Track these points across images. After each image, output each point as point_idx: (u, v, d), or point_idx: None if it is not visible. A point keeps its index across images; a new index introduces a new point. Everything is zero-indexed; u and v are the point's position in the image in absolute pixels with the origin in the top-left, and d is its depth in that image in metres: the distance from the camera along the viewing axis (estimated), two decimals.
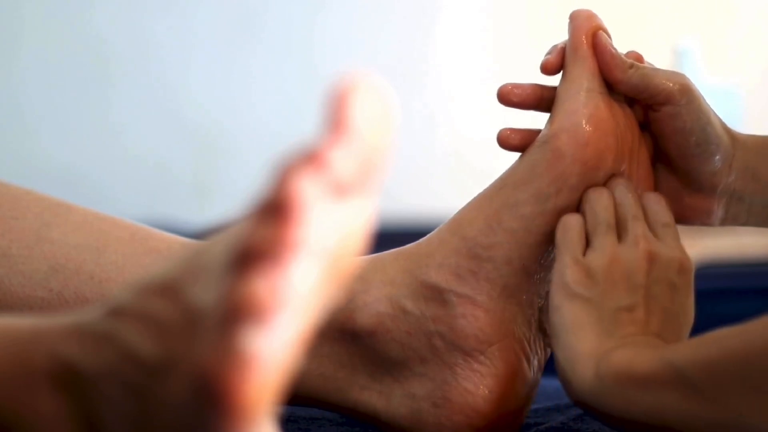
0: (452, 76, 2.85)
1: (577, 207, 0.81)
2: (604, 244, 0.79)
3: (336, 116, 0.48)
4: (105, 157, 2.81)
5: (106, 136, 2.81)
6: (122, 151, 2.81)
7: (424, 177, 2.84)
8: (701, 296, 1.35)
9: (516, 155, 0.84)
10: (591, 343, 0.75)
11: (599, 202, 0.81)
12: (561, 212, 0.81)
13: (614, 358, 0.74)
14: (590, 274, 0.78)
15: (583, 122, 0.81)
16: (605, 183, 0.82)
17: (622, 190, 0.82)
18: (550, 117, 0.83)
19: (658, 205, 0.82)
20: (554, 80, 0.85)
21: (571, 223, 0.80)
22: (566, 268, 0.78)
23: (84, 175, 2.79)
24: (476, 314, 0.81)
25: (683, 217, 0.86)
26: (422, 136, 2.83)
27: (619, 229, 0.80)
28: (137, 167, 2.82)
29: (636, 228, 0.80)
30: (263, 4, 2.82)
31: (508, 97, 0.85)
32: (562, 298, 0.78)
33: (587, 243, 0.80)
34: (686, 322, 0.79)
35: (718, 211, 0.86)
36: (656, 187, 0.85)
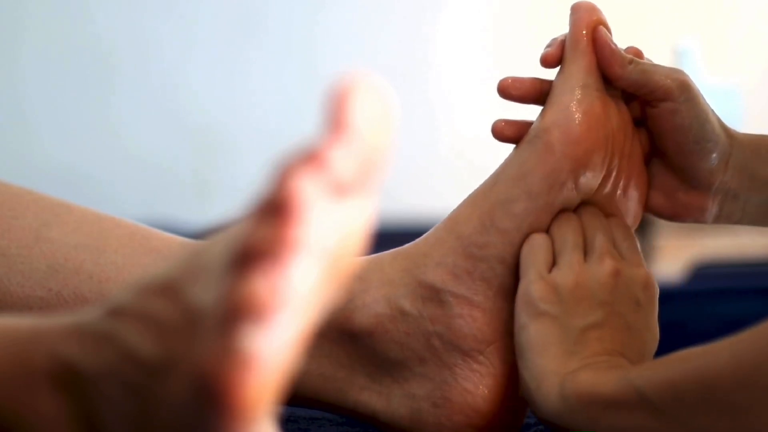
0: (453, 76, 2.85)
1: (547, 229, 0.81)
2: (571, 261, 0.79)
3: (336, 116, 0.48)
4: (106, 157, 2.81)
5: (106, 136, 2.82)
6: (123, 151, 2.82)
7: (425, 177, 2.84)
8: (701, 296, 1.35)
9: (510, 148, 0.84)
10: (556, 363, 0.76)
11: (567, 223, 0.81)
12: (552, 209, 0.81)
13: (578, 379, 0.74)
14: (556, 290, 0.78)
15: (576, 119, 0.81)
16: (576, 209, 0.82)
17: (590, 215, 0.82)
18: (543, 110, 0.83)
19: (623, 228, 0.83)
20: (554, 74, 0.85)
21: (538, 241, 0.80)
22: (531, 285, 0.78)
23: (85, 175, 2.79)
24: (473, 314, 0.81)
25: (677, 213, 0.86)
26: (423, 136, 2.83)
27: (586, 249, 0.81)
28: (138, 167, 2.82)
29: (602, 246, 0.80)
30: (264, 4, 2.82)
31: (507, 91, 0.85)
32: (528, 316, 0.78)
33: (553, 263, 0.80)
34: (650, 339, 0.79)
35: (713, 209, 0.86)
36: (651, 183, 0.85)
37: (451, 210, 0.84)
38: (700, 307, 1.32)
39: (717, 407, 0.66)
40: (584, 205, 0.82)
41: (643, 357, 0.78)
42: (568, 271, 0.79)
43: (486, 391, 0.81)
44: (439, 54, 2.85)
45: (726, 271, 1.69)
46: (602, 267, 0.79)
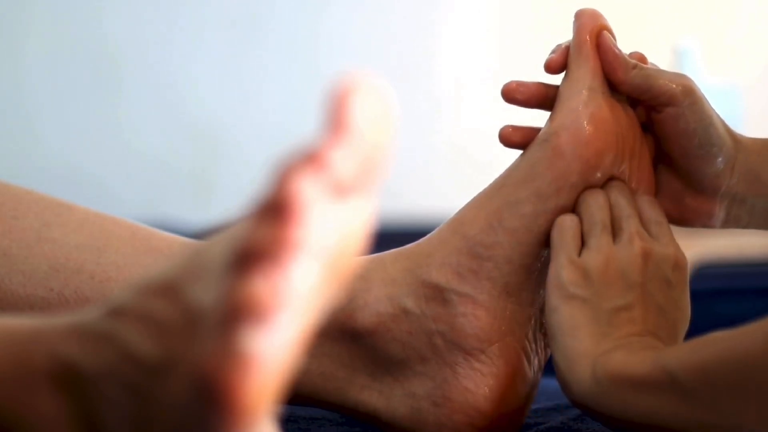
0: (457, 73, 2.85)
1: (574, 207, 0.81)
2: (600, 243, 0.79)
3: (336, 116, 0.48)
4: (109, 156, 2.81)
5: (110, 135, 2.82)
6: (126, 150, 2.81)
7: (427, 175, 2.83)
8: (701, 296, 1.35)
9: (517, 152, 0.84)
10: (588, 344, 0.76)
11: (595, 202, 0.81)
12: (561, 211, 0.81)
13: (611, 360, 0.74)
14: (586, 274, 0.78)
15: (585, 121, 0.81)
16: (602, 185, 0.82)
17: (617, 192, 0.82)
18: (552, 115, 0.83)
19: (652, 206, 0.82)
20: (559, 79, 0.85)
21: (567, 223, 0.80)
22: (562, 269, 0.78)
23: (89, 174, 2.79)
24: (477, 313, 0.81)
25: (684, 218, 0.86)
26: (427, 134, 2.83)
27: (614, 229, 0.80)
28: (142, 166, 2.82)
29: (630, 226, 0.80)
30: (267, 2, 2.82)
31: (512, 95, 0.85)
32: (559, 299, 0.78)
33: (582, 243, 0.80)
34: (682, 318, 0.79)
35: (720, 213, 0.85)
36: (658, 188, 0.85)
37: (455, 210, 0.84)
38: (700, 307, 1.32)
39: (747, 390, 0.66)
40: (611, 181, 0.82)
41: (674, 337, 0.78)
42: (597, 254, 0.78)
43: (487, 391, 0.81)
44: (443, 51, 2.85)
45: (726, 271, 1.69)
46: (632, 248, 0.79)
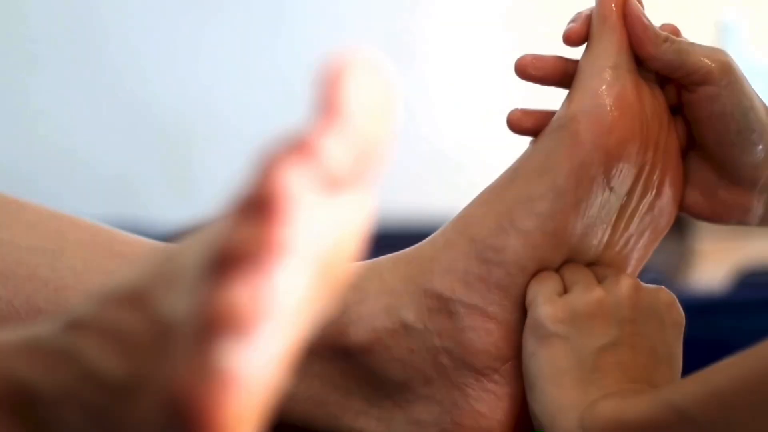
0: (438, 68, 2.86)
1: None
2: (586, 282, 0.79)
3: (327, 99, 0.48)
4: (52, 162, 2.82)
5: (31, 134, 2.82)
6: (71, 154, 2.82)
7: (428, 173, 2.84)
8: (747, 308, 1.35)
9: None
10: (572, 393, 0.76)
11: (575, 264, 0.82)
12: (580, 209, 0.81)
13: (600, 409, 0.74)
14: (568, 310, 0.78)
15: (608, 105, 0.81)
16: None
17: (596, 265, 0.83)
18: (569, 96, 0.83)
19: None
20: (578, 53, 0.85)
21: (547, 273, 0.81)
22: (540, 307, 0.79)
23: (30, 181, 2.80)
24: (488, 327, 0.81)
25: (717, 213, 0.86)
26: (427, 133, 2.84)
27: (598, 279, 0.81)
28: (95, 172, 2.82)
29: (615, 272, 0.81)
30: None
31: (527, 71, 0.84)
32: (536, 342, 0.78)
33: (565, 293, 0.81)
34: (677, 367, 0.79)
35: (758, 209, 0.86)
36: (687, 179, 0.86)
37: (457, 210, 0.84)
38: (745, 321, 1.32)
39: None
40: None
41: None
42: (583, 291, 0.79)
43: (502, 415, 0.81)
44: (427, 45, 2.86)
45: None
46: (620, 284, 0.79)
